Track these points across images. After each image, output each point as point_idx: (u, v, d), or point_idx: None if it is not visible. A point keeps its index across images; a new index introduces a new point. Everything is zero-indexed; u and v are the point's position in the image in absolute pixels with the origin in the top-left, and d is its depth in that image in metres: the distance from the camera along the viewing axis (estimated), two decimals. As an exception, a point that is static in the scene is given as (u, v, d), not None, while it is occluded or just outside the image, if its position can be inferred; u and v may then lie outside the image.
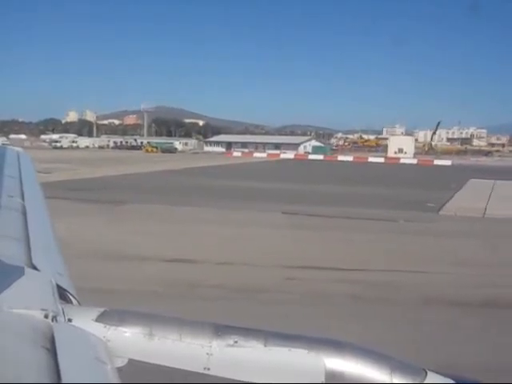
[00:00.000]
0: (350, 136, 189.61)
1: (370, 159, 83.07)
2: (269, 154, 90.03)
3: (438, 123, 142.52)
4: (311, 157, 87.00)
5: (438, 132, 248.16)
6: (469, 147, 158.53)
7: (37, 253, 2.33)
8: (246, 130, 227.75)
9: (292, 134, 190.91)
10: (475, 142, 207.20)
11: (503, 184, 45.85)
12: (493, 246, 18.33)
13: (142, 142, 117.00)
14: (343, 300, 11.02)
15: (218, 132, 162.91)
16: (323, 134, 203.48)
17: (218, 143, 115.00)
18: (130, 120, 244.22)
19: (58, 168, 45.92)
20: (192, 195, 30.36)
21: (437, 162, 79.50)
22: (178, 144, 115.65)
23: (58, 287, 1.99)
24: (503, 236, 20.59)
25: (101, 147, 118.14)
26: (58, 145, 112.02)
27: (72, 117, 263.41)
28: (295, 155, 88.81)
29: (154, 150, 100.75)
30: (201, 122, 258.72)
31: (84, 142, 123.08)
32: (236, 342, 1.78)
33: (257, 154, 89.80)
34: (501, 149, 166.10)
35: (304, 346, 1.79)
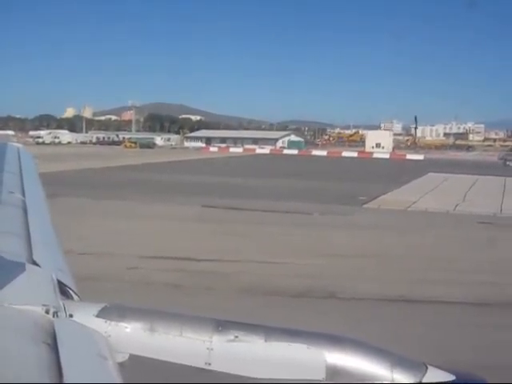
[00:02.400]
0: (348, 131, 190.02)
1: (344, 154, 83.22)
2: (244, 149, 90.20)
3: (415, 118, 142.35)
4: (286, 151, 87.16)
5: (435, 127, 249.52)
6: (462, 142, 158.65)
7: (37, 249, 2.32)
8: (240, 125, 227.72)
9: (287, 129, 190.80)
10: (471, 136, 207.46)
11: (456, 177, 46.07)
12: (380, 237, 18.46)
13: (123, 138, 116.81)
14: (161, 288, 11.07)
15: (212, 127, 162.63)
16: (318, 130, 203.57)
17: (198, 138, 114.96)
18: (128, 116, 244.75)
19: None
20: (124, 190, 30.32)
21: (409, 156, 79.72)
22: (159, 139, 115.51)
23: (59, 283, 1.98)
24: (403, 228, 20.71)
25: (83, 143, 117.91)
26: (40, 140, 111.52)
27: (70, 113, 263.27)
28: (271, 150, 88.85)
29: (133, 145, 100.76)
30: (198, 118, 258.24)
31: (67, 137, 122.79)
32: (237, 336, 1.77)
33: (233, 149, 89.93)
34: (492, 143, 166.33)
35: (304, 341, 1.78)
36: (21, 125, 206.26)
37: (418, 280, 12.45)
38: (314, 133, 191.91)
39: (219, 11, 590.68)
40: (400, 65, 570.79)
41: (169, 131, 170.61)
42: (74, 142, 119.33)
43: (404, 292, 11.45)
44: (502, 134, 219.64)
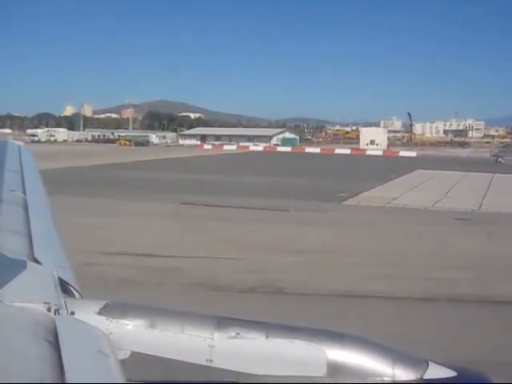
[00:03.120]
0: (347, 128, 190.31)
1: (337, 151, 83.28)
2: (238, 147, 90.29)
3: (409, 114, 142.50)
4: (280, 149, 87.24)
5: (435, 124, 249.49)
6: (461, 139, 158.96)
7: (39, 246, 2.34)
8: (239, 122, 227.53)
9: (286, 126, 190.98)
10: (470, 133, 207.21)
11: (443, 174, 46.13)
12: (347, 233, 18.58)
13: (119, 136, 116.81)
14: (110, 284, 11.14)
15: (211, 125, 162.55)
16: (316, 127, 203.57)
17: (193, 136, 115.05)
18: (128, 114, 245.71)
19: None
20: (106, 187, 30.37)
21: (402, 153, 79.70)
22: (154, 137, 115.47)
23: (60, 280, 1.99)
24: (373, 224, 20.79)
25: (78, 141, 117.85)
26: (36, 139, 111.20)
27: (69, 111, 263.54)
28: (264, 147, 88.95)
29: (127, 143, 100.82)
30: (197, 115, 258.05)
31: (62, 135, 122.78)
32: (238, 333, 1.77)
33: (227, 147, 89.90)
34: (491, 140, 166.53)
35: (306, 338, 1.78)
36: (20, 123, 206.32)
37: (368, 275, 12.51)
38: (314, 130, 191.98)
39: (220, 8, 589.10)
40: (400, 62, 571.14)
41: (167, 129, 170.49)
42: (70, 140, 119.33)
43: (350, 287, 11.52)
44: (501, 131, 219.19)
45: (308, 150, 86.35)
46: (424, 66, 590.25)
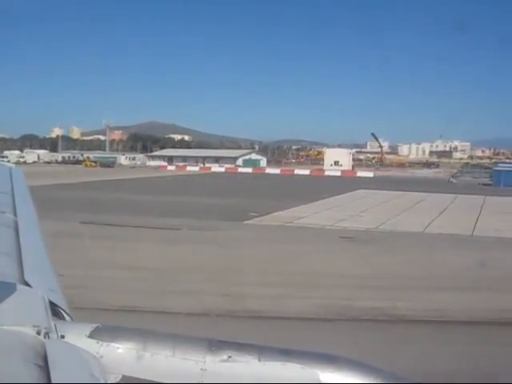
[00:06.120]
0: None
1: (297, 171, 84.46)
2: (201, 168, 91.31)
3: (373, 134, 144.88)
4: (241, 170, 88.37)
5: (421, 145, 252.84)
6: (445, 160, 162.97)
7: (29, 269, 2.30)
8: (222, 144, 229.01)
9: (280, 149, 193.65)
10: (456, 154, 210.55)
11: (380, 194, 46.93)
12: (215, 251, 19.02)
13: (88, 157, 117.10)
14: None
15: (194, 146, 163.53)
16: (301, 148, 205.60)
17: (161, 157, 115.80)
18: (116, 135, 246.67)
19: None
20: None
21: (360, 174, 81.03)
22: (123, 158, 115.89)
23: (51, 303, 1.96)
24: (251, 242, 21.28)
25: (47, 162, 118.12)
26: (6, 160, 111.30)
27: (57, 133, 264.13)
28: (226, 169, 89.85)
29: (93, 164, 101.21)
30: (179, 137, 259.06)
31: (31, 157, 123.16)
32: (230, 356, 1.74)
33: (190, 168, 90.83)
34: (470, 161, 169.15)
35: (299, 361, 1.75)
36: (4, 145, 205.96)
37: (173, 290, 12.93)
38: (297, 151, 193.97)
39: (212, 27, 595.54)
40: (389, 84, 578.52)
41: (151, 151, 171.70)
42: (41, 161, 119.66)
43: (133, 303, 11.91)
44: (488, 152, 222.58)
45: (268, 170, 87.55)
46: (412, 86, 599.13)
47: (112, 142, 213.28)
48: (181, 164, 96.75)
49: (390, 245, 21.58)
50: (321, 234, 24.49)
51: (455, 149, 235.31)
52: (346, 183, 62.64)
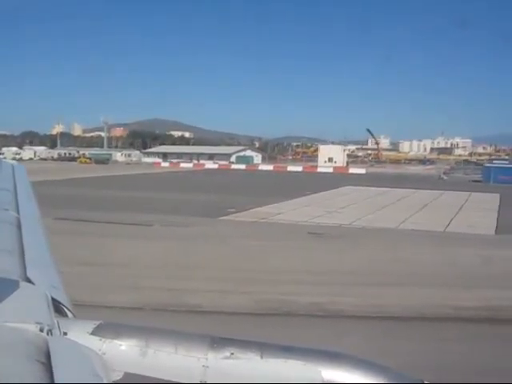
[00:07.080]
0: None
1: (289, 168, 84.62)
2: (194, 164, 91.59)
3: (368, 130, 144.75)
4: (234, 166, 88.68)
5: (422, 142, 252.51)
6: (446, 157, 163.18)
7: (31, 266, 2.30)
8: (221, 141, 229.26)
9: (280, 145, 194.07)
10: (457, 151, 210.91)
11: (367, 190, 47.07)
12: (177, 247, 19.18)
13: (83, 154, 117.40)
14: None
15: (194, 143, 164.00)
16: (301, 145, 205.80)
17: (155, 154, 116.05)
18: (117, 132, 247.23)
19: None
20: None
21: (352, 170, 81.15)
22: (119, 155, 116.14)
23: (53, 300, 1.98)
24: (217, 237, 21.43)
25: (43, 159, 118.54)
26: (2, 157, 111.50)
27: (58, 130, 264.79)
28: (219, 165, 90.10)
29: (88, 161, 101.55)
30: (179, 134, 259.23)
31: (28, 154, 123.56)
32: (232, 353, 1.75)
33: (184, 165, 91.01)
34: (469, 158, 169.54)
35: (301, 358, 1.76)
36: (4, 141, 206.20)
37: (117, 285, 13.09)
38: (297, 148, 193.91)
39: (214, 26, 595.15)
40: (391, 81, 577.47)
41: (150, 147, 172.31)
42: (36, 158, 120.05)
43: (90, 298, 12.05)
44: (489, 149, 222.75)
45: (261, 167, 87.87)
46: (414, 83, 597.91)
47: (112, 138, 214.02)
48: (175, 161, 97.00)
49: (355, 241, 21.69)
50: (292, 230, 24.59)
51: (456, 145, 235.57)
52: (335, 180, 62.69)
